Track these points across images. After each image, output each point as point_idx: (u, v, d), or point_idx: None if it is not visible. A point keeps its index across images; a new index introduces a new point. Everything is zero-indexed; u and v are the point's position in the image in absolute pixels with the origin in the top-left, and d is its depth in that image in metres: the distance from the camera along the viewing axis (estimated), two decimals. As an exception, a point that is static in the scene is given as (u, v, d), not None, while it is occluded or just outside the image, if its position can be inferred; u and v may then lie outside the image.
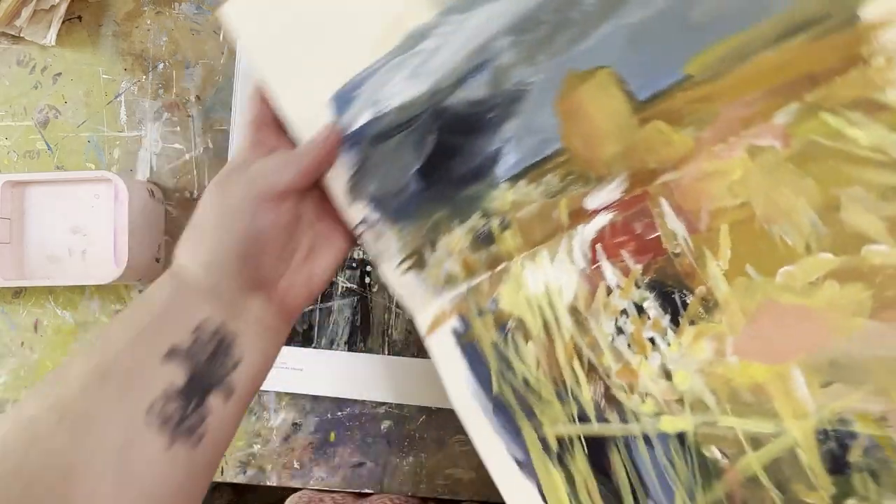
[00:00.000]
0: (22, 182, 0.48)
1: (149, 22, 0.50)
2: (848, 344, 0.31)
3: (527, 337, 0.37)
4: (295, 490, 0.48)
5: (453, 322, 0.38)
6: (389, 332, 0.47)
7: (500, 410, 0.37)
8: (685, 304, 0.34)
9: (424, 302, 0.39)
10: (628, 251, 0.35)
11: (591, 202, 0.36)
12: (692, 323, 0.34)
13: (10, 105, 0.51)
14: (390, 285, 0.38)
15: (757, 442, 0.33)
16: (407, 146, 0.37)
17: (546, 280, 0.36)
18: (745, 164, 0.33)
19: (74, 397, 0.29)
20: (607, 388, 0.35)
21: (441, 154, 0.36)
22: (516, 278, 0.37)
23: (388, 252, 0.38)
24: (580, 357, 0.36)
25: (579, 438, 0.36)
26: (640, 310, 0.35)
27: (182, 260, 0.33)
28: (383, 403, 0.47)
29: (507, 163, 0.36)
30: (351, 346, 0.47)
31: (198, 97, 0.51)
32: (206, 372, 0.32)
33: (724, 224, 0.33)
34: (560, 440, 0.36)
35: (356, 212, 0.38)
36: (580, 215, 0.36)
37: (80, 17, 0.51)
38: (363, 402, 0.47)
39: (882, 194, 0.31)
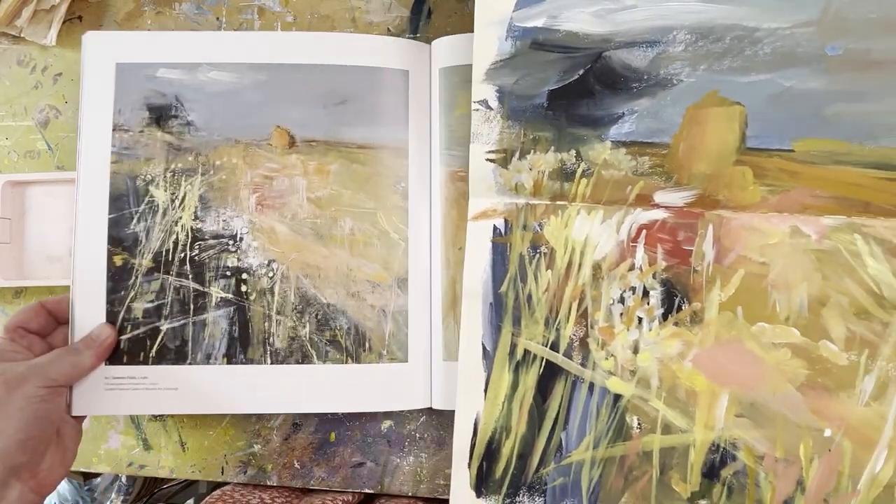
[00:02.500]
0: (22, 182, 0.48)
1: (149, 22, 0.50)
2: (771, 397, 0.40)
3: (550, 265, 0.43)
4: (293, 489, 0.48)
5: (498, 221, 0.43)
6: (271, 340, 0.44)
7: (497, 306, 0.43)
8: (679, 308, 0.41)
9: (485, 192, 0.43)
10: (663, 248, 0.42)
11: (659, 197, 0.42)
12: (676, 324, 0.41)
13: (10, 105, 0.50)
14: (470, 162, 0.43)
15: (667, 429, 0.41)
16: (555, 66, 0.41)
17: (589, 233, 0.42)
18: (783, 236, 0.41)
19: None
20: (585, 335, 0.42)
21: (577, 89, 0.41)
22: (568, 218, 0.43)
23: (485, 137, 0.42)
24: (581, 302, 0.42)
25: (541, 360, 0.42)
26: (645, 293, 0.42)
27: None
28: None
29: (622, 129, 0.41)
30: (230, 358, 0.44)
31: (198, 97, 0.51)
32: None
33: (742, 269, 0.41)
34: (526, 352, 0.43)
35: (482, 91, 0.42)
36: (645, 201, 0.42)
37: (80, 17, 0.50)
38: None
39: (858, 313, 0.39)
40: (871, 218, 0.40)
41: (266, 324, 0.44)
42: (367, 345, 0.44)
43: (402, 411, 0.45)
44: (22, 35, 0.49)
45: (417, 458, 0.46)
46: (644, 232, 0.42)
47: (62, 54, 0.50)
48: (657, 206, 0.42)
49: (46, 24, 0.49)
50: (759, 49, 0.39)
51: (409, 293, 0.45)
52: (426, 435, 0.46)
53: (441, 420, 0.46)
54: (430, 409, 0.46)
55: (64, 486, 0.82)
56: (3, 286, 0.48)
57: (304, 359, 0.44)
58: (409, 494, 0.46)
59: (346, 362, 0.44)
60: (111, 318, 0.44)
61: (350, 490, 0.47)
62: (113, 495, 0.83)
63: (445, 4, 0.47)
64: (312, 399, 0.44)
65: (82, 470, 0.49)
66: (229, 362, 0.44)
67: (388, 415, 0.47)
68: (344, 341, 0.44)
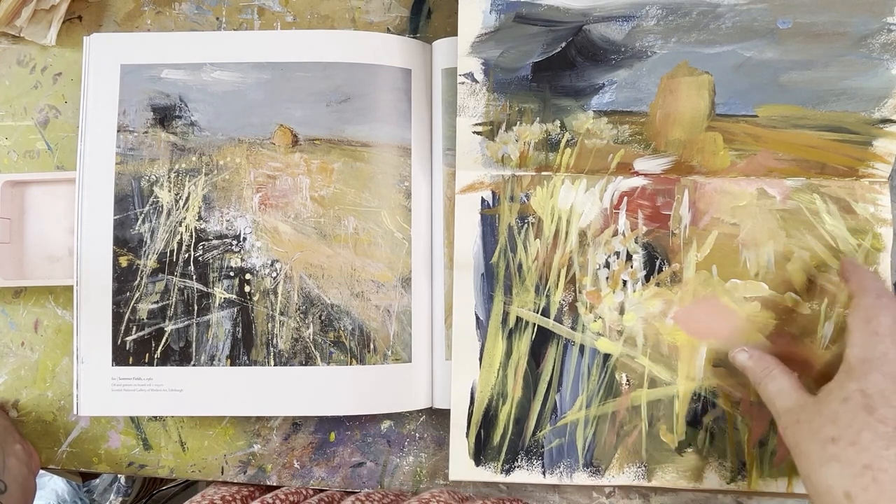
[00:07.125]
0: (22, 182, 0.48)
1: (149, 22, 0.49)
2: (744, 345, 0.43)
3: (538, 234, 0.44)
4: (273, 488, 0.47)
5: (486, 193, 0.44)
6: (274, 341, 0.44)
7: (488, 276, 0.44)
8: (660, 270, 0.44)
9: (472, 165, 0.44)
10: (644, 214, 0.44)
11: (639, 165, 0.44)
12: (657, 285, 0.44)
13: (10, 105, 0.50)
14: (457, 136, 0.43)
15: (653, 383, 0.43)
16: (539, 39, 0.42)
17: (574, 202, 0.44)
18: (751, 198, 0.44)
19: None
20: (574, 300, 0.44)
21: (560, 61, 0.42)
22: (553, 188, 0.44)
23: (472, 110, 0.43)
24: (569, 268, 0.44)
25: (533, 326, 0.44)
26: (628, 257, 0.44)
27: None
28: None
29: (603, 99, 0.43)
30: (233, 360, 0.44)
31: (198, 97, 0.51)
32: None
33: (715, 230, 0.44)
34: (518, 320, 0.44)
35: (468, 63, 0.42)
36: (625, 169, 0.44)
37: (80, 17, 0.50)
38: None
39: (818, 266, 0.43)
40: (827, 178, 0.43)
41: (269, 325, 0.44)
42: (371, 346, 0.44)
43: (402, 411, 0.45)
44: (22, 35, 0.49)
45: (417, 457, 0.46)
46: (625, 199, 0.44)
47: (62, 54, 0.50)
48: (637, 173, 0.44)
49: (46, 24, 0.49)
50: (722, 23, 0.42)
51: (413, 293, 0.45)
52: (426, 435, 0.46)
53: (441, 420, 0.46)
54: (430, 408, 0.46)
55: (62, 488, 0.78)
56: (3, 286, 0.48)
57: (308, 360, 0.44)
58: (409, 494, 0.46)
59: (351, 364, 0.44)
60: (116, 319, 0.44)
61: (350, 490, 0.47)
62: (112, 496, 0.79)
63: (445, 4, 0.47)
64: (316, 402, 0.44)
65: (82, 471, 0.46)
66: (233, 364, 0.44)
67: (387, 414, 0.47)
68: (348, 342, 0.44)
